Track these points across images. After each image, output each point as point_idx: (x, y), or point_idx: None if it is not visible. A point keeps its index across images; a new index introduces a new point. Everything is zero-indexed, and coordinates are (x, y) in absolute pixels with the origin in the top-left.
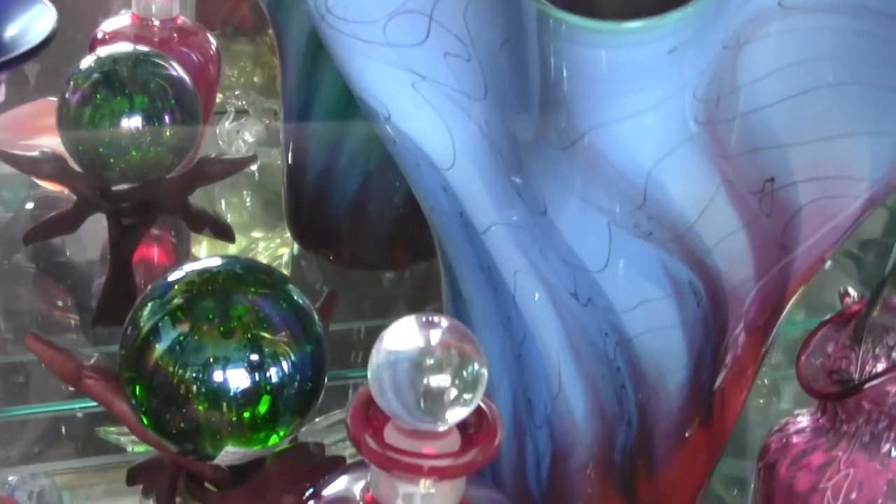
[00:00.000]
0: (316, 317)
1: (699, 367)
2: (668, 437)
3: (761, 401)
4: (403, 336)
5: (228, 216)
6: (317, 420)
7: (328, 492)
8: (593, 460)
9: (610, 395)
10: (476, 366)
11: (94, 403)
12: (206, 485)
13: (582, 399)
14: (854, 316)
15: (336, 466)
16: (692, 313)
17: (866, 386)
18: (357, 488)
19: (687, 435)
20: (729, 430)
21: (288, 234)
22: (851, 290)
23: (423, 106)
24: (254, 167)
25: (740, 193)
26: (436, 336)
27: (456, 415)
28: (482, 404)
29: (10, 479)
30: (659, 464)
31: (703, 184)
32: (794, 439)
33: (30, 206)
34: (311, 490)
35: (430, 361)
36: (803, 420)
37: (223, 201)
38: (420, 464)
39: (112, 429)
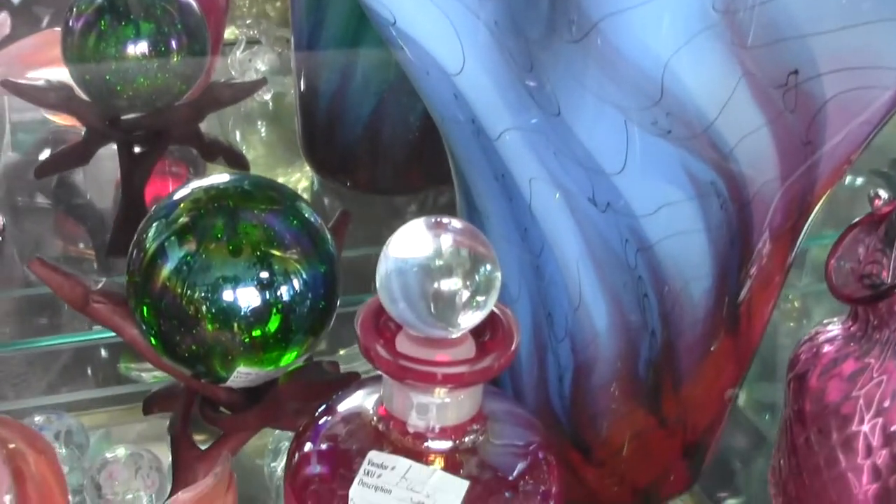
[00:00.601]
0: (328, 235)
1: (724, 273)
2: (694, 347)
3: (792, 324)
4: (411, 239)
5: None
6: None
7: (341, 407)
8: (617, 374)
9: (632, 305)
10: (488, 267)
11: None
12: (221, 409)
13: (603, 310)
14: (885, 218)
15: (350, 382)
16: (715, 217)
17: None
18: (370, 402)
19: (713, 346)
20: (756, 341)
21: (307, 168)
22: (882, 192)
23: (429, 7)
24: (267, 97)
25: (762, 87)
26: (445, 237)
27: (469, 319)
28: (497, 310)
29: (37, 419)
30: (685, 376)
31: (723, 77)
32: (825, 348)
33: (46, 152)
34: (324, 406)
35: (439, 263)
36: (834, 329)
37: (238, 133)
38: (433, 371)
39: (133, 364)
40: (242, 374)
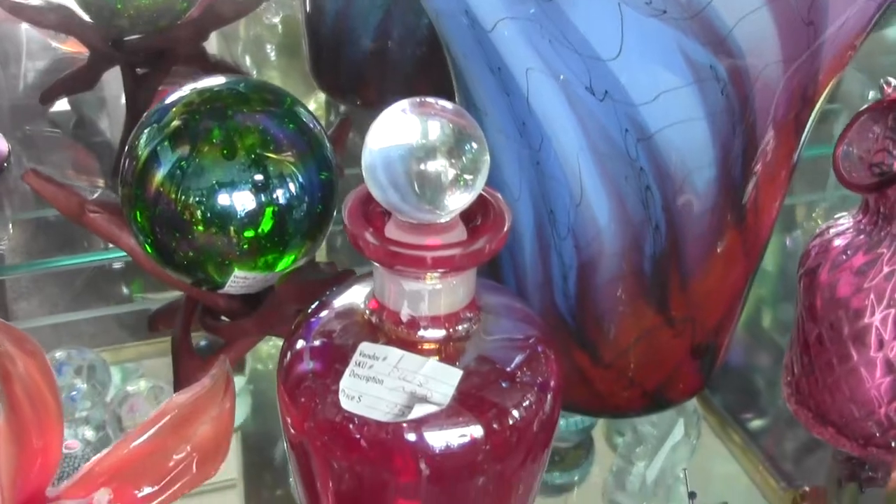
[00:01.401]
0: (327, 142)
1: (727, 163)
2: (700, 242)
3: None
4: (394, 120)
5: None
6: None
7: (334, 304)
8: (622, 271)
9: (635, 199)
10: (474, 145)
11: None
12: (222, 318)
13: (606, 204)
14: (894, 105)
15: (346, 280)
16: (716, 103)
17: None
18: (363, 297)
19: (719, 241)
20: (764, 238)
21: (320, 94)
22: (893, 80)
23: None
24: (276, 20)
25: None
26: (428, 117)
27: (457, 201)
28: (487, 195)
29: (57, 354)
30: (691, 272)
31: None
32: (835, 242)
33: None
34: (316, 303)
35: (422, 142)
36: (844, 222)
37: (247, 58)
38: (423, 256)
39: (146, 294)
40: (239, 279)
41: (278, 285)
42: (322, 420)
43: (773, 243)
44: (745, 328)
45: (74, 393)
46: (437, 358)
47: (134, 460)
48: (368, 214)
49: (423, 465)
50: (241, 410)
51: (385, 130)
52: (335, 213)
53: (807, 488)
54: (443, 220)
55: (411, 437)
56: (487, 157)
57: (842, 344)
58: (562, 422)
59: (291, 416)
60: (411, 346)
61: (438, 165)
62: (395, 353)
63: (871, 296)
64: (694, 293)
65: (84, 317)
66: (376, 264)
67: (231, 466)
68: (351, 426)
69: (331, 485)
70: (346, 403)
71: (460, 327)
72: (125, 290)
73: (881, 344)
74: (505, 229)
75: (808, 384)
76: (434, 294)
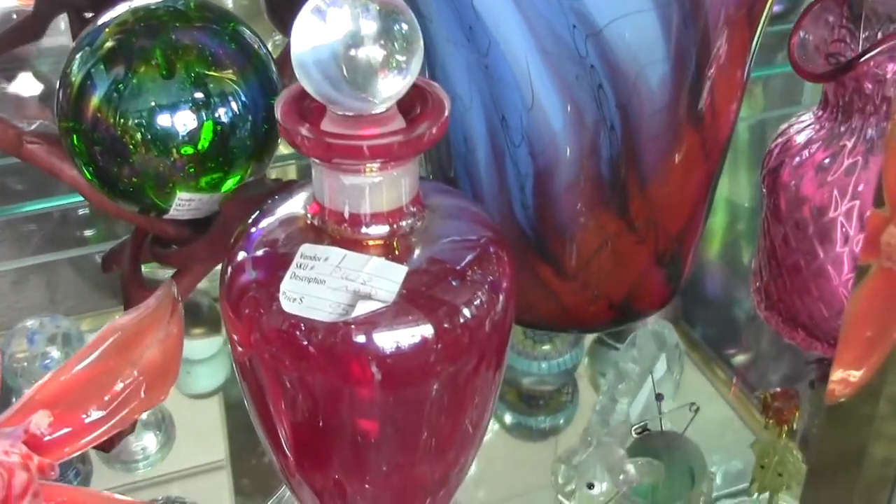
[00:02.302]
0: (272, 64)
1: (681, 59)
2: (657, 142)
3: None
4: (319, 7)
5: None
6: None
7: (275, 213)
8: (579, 176)
9: (587, 99)
10: (404, 25)
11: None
12: (172, 247)
13: (558, 106)
14: None
15: (288, 189)
16: None
17: (864, 58)
18: (303, 203)
19: (677, 142)
20: (724, 139)
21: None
22: None
23: None
24: None
25: None
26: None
27: (390, 85)
28: (423, 84)
29: (29, 323)
30: (650, 174)
31: None
32: (796, 139)
33: None
34: (256, 213)
35: (350, 27)
36: (805, 118)
37: None
38: (360, 145)
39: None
40: (184, 202)
41: (223, 204)
42: (268, 329)
43: (749, 179)
44: (726, 263)
45: (48, 361)
46: (382, 256)
47: (77, 385)
48: (304, 111)
49: (374, 369)
50: (220, 374)
51: (311, 20)
52: None
53: (778, 389)
54: (379, 110)
55: (360, 339)
56: (420, 39)
57: (808, 242)
58: (544, 364)
59: (237, 331)
60: (355, 245)
61: (368, 49)
62: (337, 252)
63: (835, 190)
64: (654, 196)
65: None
66: (315, 162)
67: (218, 448)
68: (298, 333)
69: (284, 406)
70: (287, 306)
71: (404, 223)
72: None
73: (846, 239)
74: (444, 116)
75: (776, 288)
76: (375, 188)
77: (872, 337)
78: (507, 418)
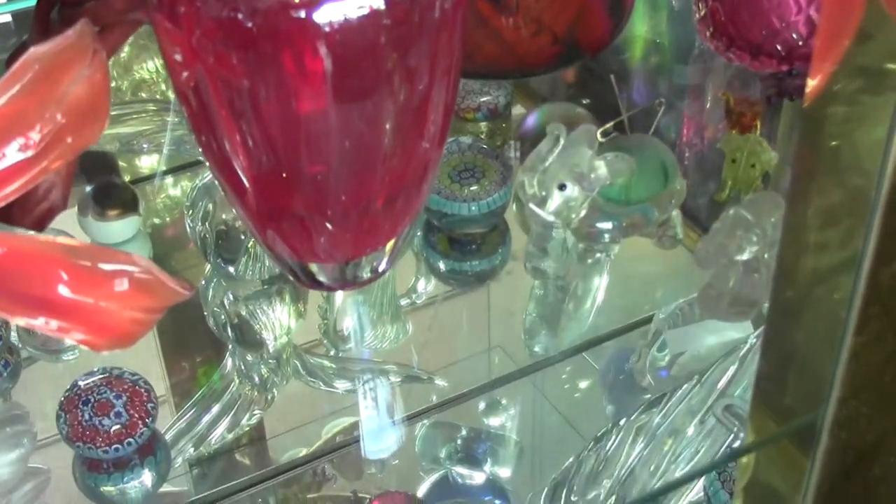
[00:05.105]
0: None
1: None
2: None
3: None
4: None
5: None
6: None
7: None
8: None
9: None
10: None
11: None
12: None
13: None
14: None
15: None
16: None
17: None
18: None
19: None
20: None
21: None
22: None
23: None
24: None
25: None
26: None
27: None
28: None
29: None
30: None
31: None
32: None
33: None
34: None
35: None
36: None
37: None
38: None
39: None
40: None
41: None
42: (208, 21)
43: None
44: None
45: None
46: None
47: None
48: None
49: (322, 48)
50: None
51: None
52: None
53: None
54: None
55: (304, 13)
56: None
57: None
58: (473, 206)
59: (175, 39)
60: None
61: None
62: None
63: None
64: None
65: None
66: None
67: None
68: (240, 15)
69: (238, 136)
70: None
71: None
72: None
73: None
74: None
75: (723, 9)
76: None
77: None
78: (441, 266)
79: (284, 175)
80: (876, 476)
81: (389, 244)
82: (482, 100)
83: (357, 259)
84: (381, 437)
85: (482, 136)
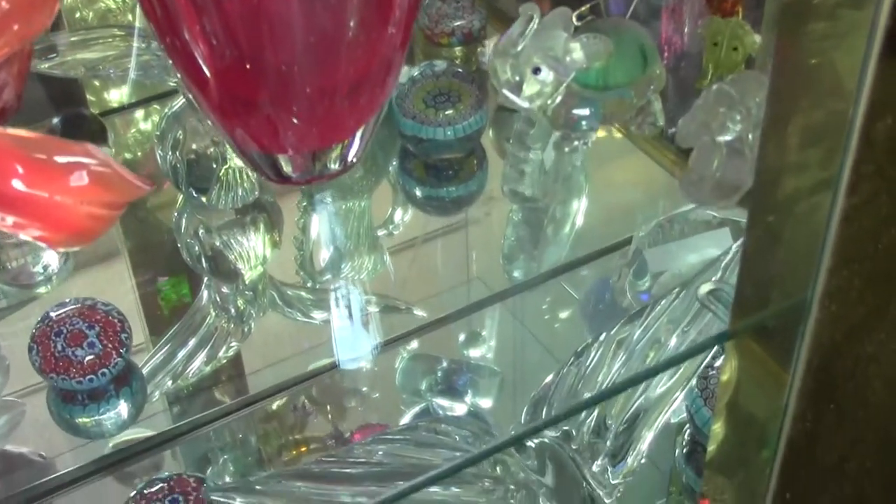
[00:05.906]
0: None
1: None
2: None
3: None
4: None
5: None
6: None
7: None
8: None
9: None
10: None
11: None
12: None
13: None
14: None
15: None
16: None
17: None
18: None
19: None
20: None
21: None
22: None
23: None
24: None
25: None
26: None
27: None
28: None
29: None
30: None
31: None
32: None
33: None
34: None
35: None
36: None
37: None
38: None
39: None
40: None
41: None
42: None
43: None
44: None
45: None
46: None
47: None
48: None
49: None
50: None
51: None
52: None
53: None
54: None
55: None
56: None
57: None
58: (448, 130)
59: None
60: None
61: None
62: None
63: None
64: None
65: None
66: None
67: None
68: None
69: (198, 26)
70: None
71: None
72: None
73: None
74: None
75: None
76: None
77: None
78: (418, 193)
79: (248, 66)
80: (868, 354)
81: (357, 136)
82: (456, 24)
83: (324, 150)
84: (354, 346)
85: (457, 61)
